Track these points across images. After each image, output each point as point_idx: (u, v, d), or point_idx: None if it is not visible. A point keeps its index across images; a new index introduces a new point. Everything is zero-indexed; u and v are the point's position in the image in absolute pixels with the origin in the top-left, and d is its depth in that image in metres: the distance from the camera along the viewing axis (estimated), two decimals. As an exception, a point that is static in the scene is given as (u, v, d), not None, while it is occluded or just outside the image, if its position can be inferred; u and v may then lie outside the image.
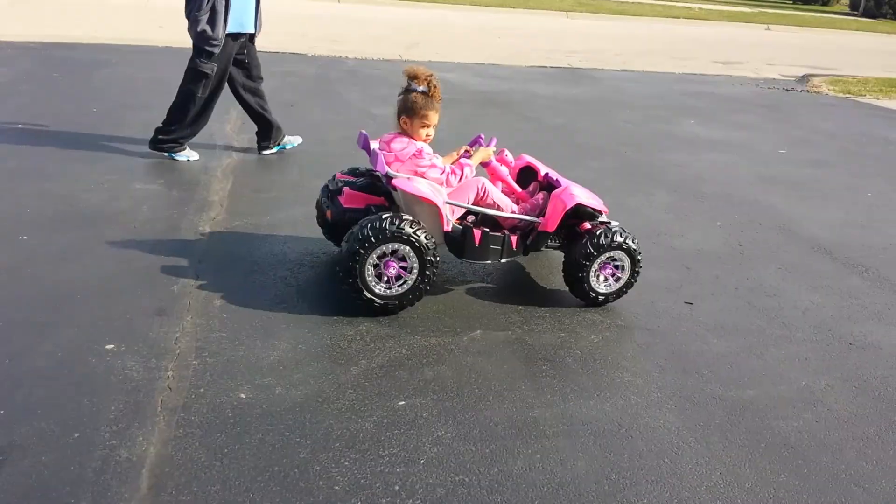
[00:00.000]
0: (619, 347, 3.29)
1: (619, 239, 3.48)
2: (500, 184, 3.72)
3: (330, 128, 6.55)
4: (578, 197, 3.46)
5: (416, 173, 3.36)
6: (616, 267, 3.55)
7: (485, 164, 3.66)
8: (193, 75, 5.06)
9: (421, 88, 3.39)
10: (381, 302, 3.26)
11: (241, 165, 5.36)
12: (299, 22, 13.72)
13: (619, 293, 3.60)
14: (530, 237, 3.53)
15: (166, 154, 5.26)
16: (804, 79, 13.31)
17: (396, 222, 3.19)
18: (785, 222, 5.10)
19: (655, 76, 11.96)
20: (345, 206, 3.56)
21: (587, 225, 3.58)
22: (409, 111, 3.39)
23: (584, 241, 3.48)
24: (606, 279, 3.56)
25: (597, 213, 3.56)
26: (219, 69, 5.07)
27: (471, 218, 3.58)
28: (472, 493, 2.29)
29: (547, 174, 3.73)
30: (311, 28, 13.25)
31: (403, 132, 3.43)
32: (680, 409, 2.85)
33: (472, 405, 2.75)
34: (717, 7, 25.21)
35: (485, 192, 3.50)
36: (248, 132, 5.90)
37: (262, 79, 5.46)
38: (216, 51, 4.98)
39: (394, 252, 3.22)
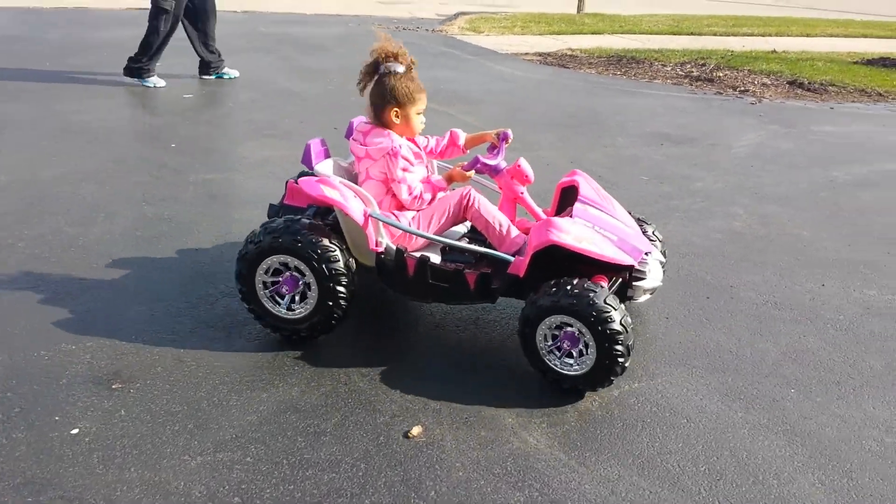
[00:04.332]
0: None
1: (585, 301, 2.43)
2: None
3: None
4: (558, 234, 2.51)
5: (385, 180, 2.76)
6: (585, 344, 2.51)
7: (492, 174, 2.82)
8: (156, 12, 6.15)
9: (400, 68, 2.75)
10: (285, 327, 2.77)
11: None
12: None
13: (591, 379, 2.55)
14: (497, 280, 2.66)
15: (137, 80, 6.37)
16: (454, 17, 12.74)
17: (294, 229, 2.62)
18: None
19: (256, 16, 11.05)
20: (285, 202, 3.01)
21: (602, 278, 2.65)
22: (401, 99, 2.74)
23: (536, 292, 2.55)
24: (572, 355, 2.54)
25: (608, 264, 2.59)
26: (176, 5, 6.17)
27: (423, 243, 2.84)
28: None
29: (582, 197, 2.76)
30: None
31: (384, 125, 2.79)
32: None
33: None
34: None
35: (469, 202, 2.77)
36: None
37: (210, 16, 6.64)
38: None
39: (290, 266, 2.68)
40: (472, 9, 13.48)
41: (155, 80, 6.43)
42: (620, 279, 2.73)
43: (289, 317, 2.74)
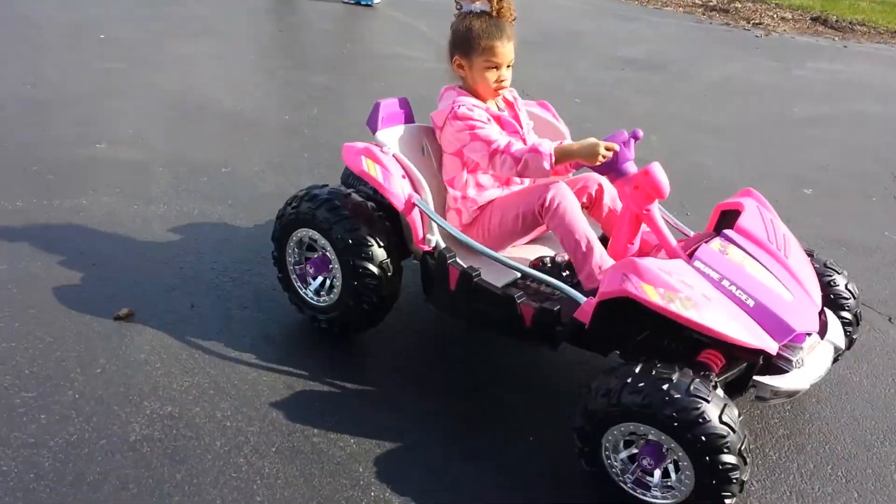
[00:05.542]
0: None
1: (659, 397, 1.58)
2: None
3: None
4: (636, 284, 1.69)
5: (457, 152, 2.15)
6: (675, 460, 1.67)
7: (615, 174, 1.98)
8: None
9: (478, 7, 2.12)
10: (306, 311, 2.29)
11: None
12: None
13: None
14: (560, 322, 1.93)
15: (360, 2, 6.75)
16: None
17: (333, 205, 2.09)
18: None
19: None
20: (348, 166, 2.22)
21: (715, 358, 1.80)
22: (463, 45, 2.12)
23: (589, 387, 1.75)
24: (668, 478, 1.70)
25: (727, 343, 1.70)
26: None
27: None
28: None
29: (733, 232, 1.92)
30: None
31: (462, 83, 2.21)
32: None
33: None
34: None
35: (550, 203, 2.04)
36: None
37: None
38: None
39: (316, 245, 2.20)
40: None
41: None
42: (747, 364, 1.79)
43: (309, 300, 2.27)
